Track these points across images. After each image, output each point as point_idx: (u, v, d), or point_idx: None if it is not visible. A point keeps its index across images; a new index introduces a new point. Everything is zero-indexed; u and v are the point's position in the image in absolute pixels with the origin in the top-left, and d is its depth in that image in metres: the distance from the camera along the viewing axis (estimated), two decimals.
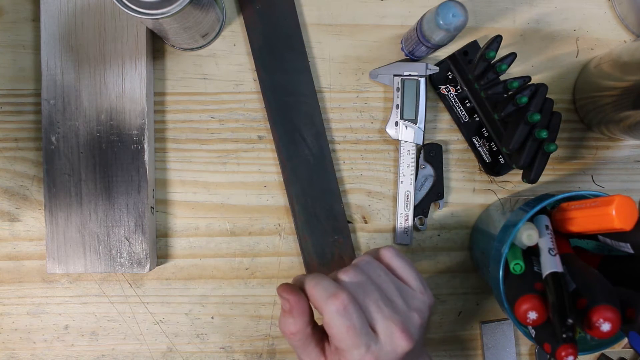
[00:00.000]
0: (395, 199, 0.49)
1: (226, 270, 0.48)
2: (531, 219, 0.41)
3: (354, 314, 0.35)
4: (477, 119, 0.49)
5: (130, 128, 0.45)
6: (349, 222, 0.49)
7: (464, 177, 0.50)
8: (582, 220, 0.38)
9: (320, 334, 0.38)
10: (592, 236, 0.41)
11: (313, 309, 0.38)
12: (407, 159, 0.48)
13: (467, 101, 0.48)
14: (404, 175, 0.48)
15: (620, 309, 0.34)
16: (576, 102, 0.50)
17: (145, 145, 0.45)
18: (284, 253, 0.49)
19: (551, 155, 0.45)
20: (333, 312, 0.35)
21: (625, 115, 0.43)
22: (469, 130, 0.49)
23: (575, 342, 0.35)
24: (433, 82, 0.49)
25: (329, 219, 0.48)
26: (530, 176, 0.44)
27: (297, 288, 0.38)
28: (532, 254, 0.41)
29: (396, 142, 0.49)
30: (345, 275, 0.37)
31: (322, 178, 0.48)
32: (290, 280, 0.49)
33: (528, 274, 0.39)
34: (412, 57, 0.48)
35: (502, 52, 0.45)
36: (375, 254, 0.40)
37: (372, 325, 0.36)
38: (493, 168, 0.49)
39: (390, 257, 0.40)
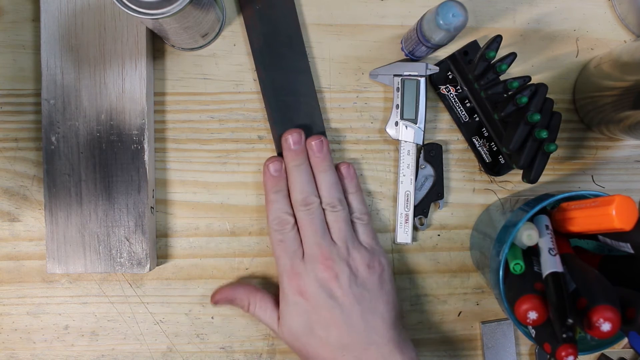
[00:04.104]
0: (395, 199, 0.49)
1: (226, 270, 0.48)
2: (531, 219, 0.41)
3: (288, 233, 0.43)
4: (477, 119, 0.49)
5: (130, 128, 0.45)
6: None
7: (464, 177, 0.50)
8: (582, 220, 0.38)
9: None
10: (592, 236, 0.41)
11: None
12: (407, 159, 0.48)
13: (467, 101, 0.48)
14: (404, 175, 0.48)
15: (620, 309, 0.34)
16: (576, 102, 0.50)
17: (145, 145, 0.45)
18: None
19: (551, 155, 0.45)
20: (272, 227, 0.44)
21: (625, 115, 0.43)
22: (469, 130, 0.49)
23: (575, 342, 0.35)
24: (433, 82, 0.49)
25: None
26: (530, 176, 0.44)
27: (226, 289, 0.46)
28: (532, 254, 0.41)
29: (396, 142, 0.49)
30: (298, 195, 0.43)
31: None
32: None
33: (528, 274, 0.39)
34: (412, 57, 0.48)
35: (502, 52, 0.45)
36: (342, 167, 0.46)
37: (304, 247, 0.43)
38: (493, 168, 0.49)
39: (348, 173, 0.46)
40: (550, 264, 0.38)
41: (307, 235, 0.43)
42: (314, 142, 0.44)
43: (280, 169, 0.44)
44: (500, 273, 0.40)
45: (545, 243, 0.39)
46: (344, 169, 0.46)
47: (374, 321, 0.41)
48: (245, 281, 0.47)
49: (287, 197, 0.44)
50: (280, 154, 0.47)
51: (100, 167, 0.45)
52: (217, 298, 0.45)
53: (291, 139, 0.44)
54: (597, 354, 0.50)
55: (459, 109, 0.49)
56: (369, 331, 0.41)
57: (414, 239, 0.49)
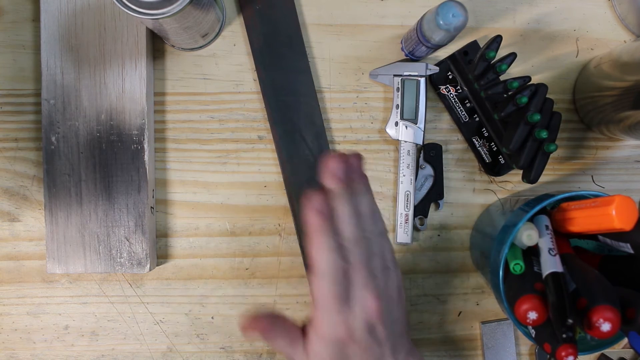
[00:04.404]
0: (395, 199, 0.49)
1: (226, 270, 0.48)
2: (531, 219, 0.41)
3: (344, 282, 0.36)
4: (477, 119, 0.49)
5: (130, 128, 0.45)
6: None
7: (464, 177, 0.50)
8: (582, 220, 0.38)
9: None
10: (592, 236, 0.41)
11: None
12: (407, 159, 0.48)
13: (467, 101, 0.48)
14: (404, 175, 0.48)
15: (620, 309, 0.34)
16: (576, 102, 0.50)
17: (145, 145, 0.45)
18: (284, 253, 0.49)
19: (551, 155, 0.45)
20: (327, 277, 0.36)
21: (625, 115, 0.43)
22: (469, 130, 0.49)
23: (575, 342, 0.35)
24: (433, 82, 0.49)
25: None
26: (530, 176, 0.44)
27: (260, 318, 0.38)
28: (532, 254, 0.41)
29: (396, 142, 0.49)
30: (350, 232, 0.36)
31: None
32: (289, 280, 0.49)
33: (528, 274, 0.39)
34: (412, 57, 0.48)
35: (502, 52, 0.45)
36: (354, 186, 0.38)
37: (351, 291, 0.37)
38: (493, 168, 0.49)
39: (364, 198, 0.38)
40: (550, 264, 0.38)
41: (357, 279, 0.36)
42: (352, 161, 0.37)
43: (327, 205, 0.36)
44: (500, 273, 0.40)
45: (545, 243, 0.39)
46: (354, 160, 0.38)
47: (400, 343, 0.39)
48: (278, 313, 0.40)
49: (336, 234, 0.37)
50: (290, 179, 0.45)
51: (100, 167, 0.45)
52: (253, 331, 0.38)
53: (338, 167, 0.36)
54: (597, 354, 0.50)
55: (459, 109, 0.49)
56: (395, 352, 0.40)
57: (414, 239, 0.49)
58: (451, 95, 0.49)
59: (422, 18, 0.42)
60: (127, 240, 0.45)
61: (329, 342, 0.38)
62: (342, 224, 0.37)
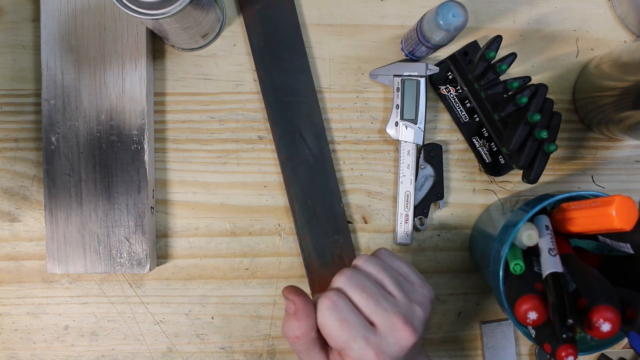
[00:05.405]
0: (395, 199, 0.49)
1: (226, 270, 0.48)
2: (531, 219, 0.41)
3: (344, 308, 0.35)
4: (477, 119, 0.49)
5: (130, 128, 0.45)
6: (349, 222, 0.49)
7: (464, 177, 0.50)
8: (582, 220, 0.38)
9: (324, 340, 0.37)
10: (592, 236, 0.41)
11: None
12: (407, 159, 0.48)
13: (467, 101, 0.48)
14: (404, 176, 0.48)
15: (620, 309, 0.34)
16: (576, 102, 0.50)
17: (145, 145, 0.45)
18: (284, 253, 0.49)
19: (551, 155, 0.45)
20: (323, 310, 0.35)
21: (625, 115, 0.43)
22: (469, 130, 0.49)
23: (575, 342, 0.35)
24: (433, 82, 0.49)
25: (329, 219, 0.48)
26: (530, 176, 0.44)
27: (302, 291, 0.37)
28: (532, 254, 0.41)
29: (396, 143, 0.49)
30: (339, 277, 0.37)
31: (322, 178, 0.48)
32: (288, 280, 0.49)
33: (528, 274, 0.39)
34: (412, 57, 0.48)
35: (502, 52, 0.45)
36: (371, 255, 0.40)
37: (371, 319, 0.35)
38: (493, 168, 0.49)
39: (386, 255, 0.40)
40: (550, 264, 0.38)
41: (367, 305, 0.36)
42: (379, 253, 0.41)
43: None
44: (500, 273, 0.40)
45: (545, 243, 0.39)
46: None
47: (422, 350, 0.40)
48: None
49: None
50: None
51: (100, 167, 0.45)
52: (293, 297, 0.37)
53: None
54: (597, 354, 0.50)
55: (459, 109, 0.49)
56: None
57: (414, 239, 0.49)
58: (451, 95, 0.49)
59: (422, 18, 0.42)
60: (127, 240, 0.45)
61: None
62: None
